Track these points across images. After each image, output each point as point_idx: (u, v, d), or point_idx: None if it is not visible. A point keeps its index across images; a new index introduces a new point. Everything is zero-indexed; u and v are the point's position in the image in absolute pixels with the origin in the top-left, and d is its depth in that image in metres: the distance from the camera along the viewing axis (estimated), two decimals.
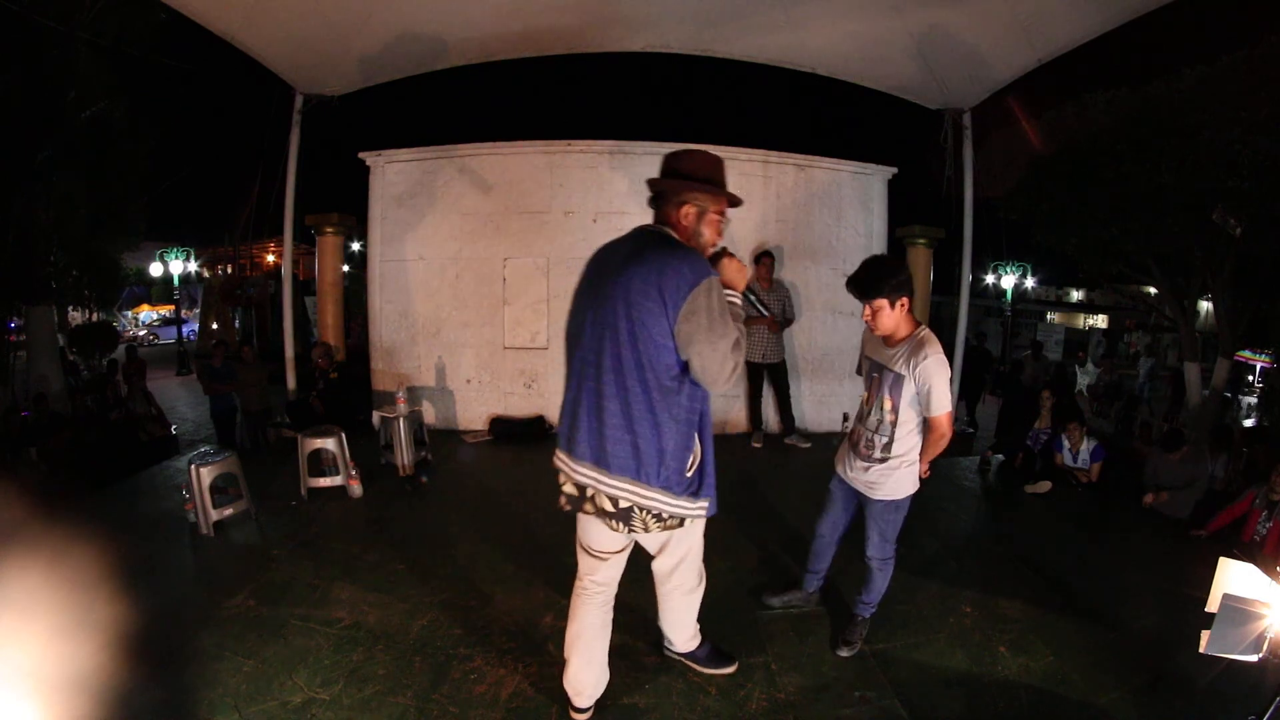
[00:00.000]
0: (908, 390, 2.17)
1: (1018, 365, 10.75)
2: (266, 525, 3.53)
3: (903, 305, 2.16)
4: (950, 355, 5.99)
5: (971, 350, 7.72)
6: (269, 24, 4.47)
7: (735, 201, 1.81)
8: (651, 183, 1.80)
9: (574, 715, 2.02)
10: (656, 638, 2.47)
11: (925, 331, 2.19)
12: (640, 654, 2.37)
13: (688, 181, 1.75)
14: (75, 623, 1.72)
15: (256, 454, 5.65)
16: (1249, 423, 10.51)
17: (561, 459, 1.82)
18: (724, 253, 1.83)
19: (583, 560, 1.96)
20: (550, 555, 3.16)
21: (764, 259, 5.20)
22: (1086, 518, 4.15)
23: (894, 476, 2.27)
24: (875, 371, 2.30)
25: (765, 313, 2.34)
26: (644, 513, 1.73)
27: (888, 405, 2.23)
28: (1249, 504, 3.88)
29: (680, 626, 2.21)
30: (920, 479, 2.33)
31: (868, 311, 2.20)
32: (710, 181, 1.77)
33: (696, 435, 1.77)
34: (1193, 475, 4.41)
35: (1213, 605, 1.60)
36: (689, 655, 2.29)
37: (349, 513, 3.76)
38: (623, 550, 1.94)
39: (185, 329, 18.89)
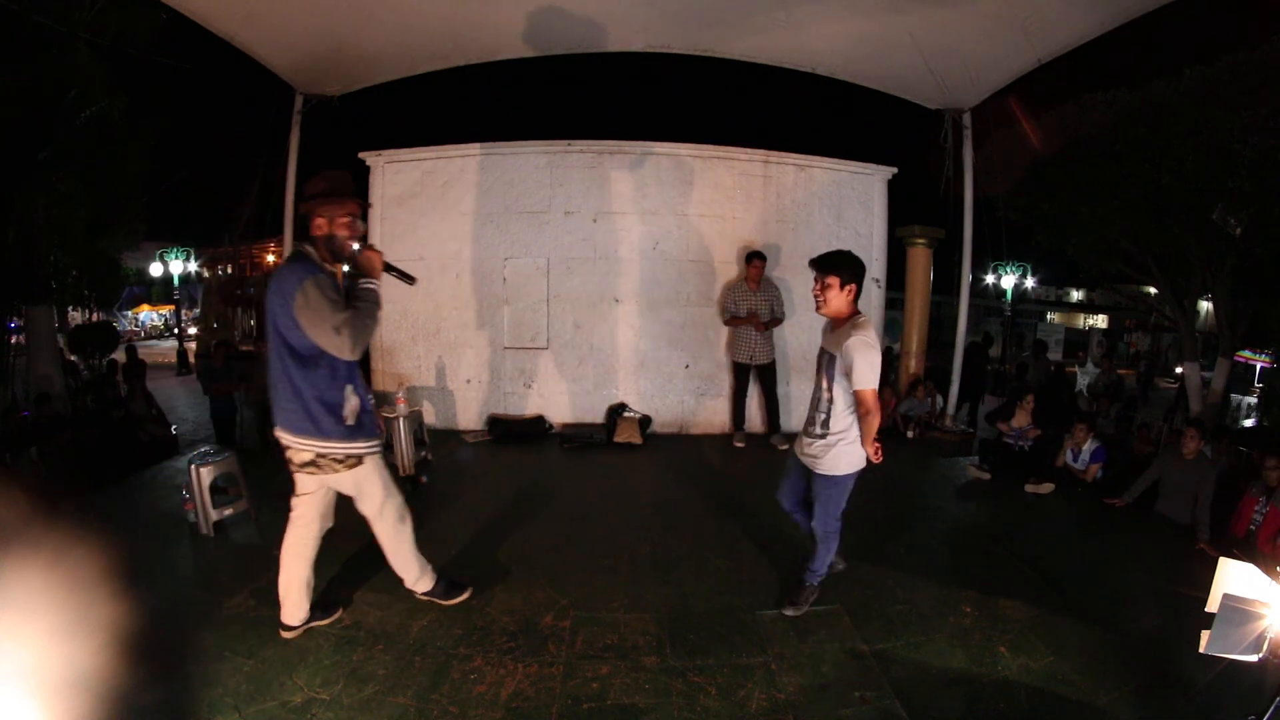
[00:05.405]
0: (840, 367, 2.40)
1: (1022, 367, 10.76)
2: (266, 525, 3.52)
3: (849, 290, 2.44)
4: (950, 355, 6.04)
5: (971, 350, 7.69)
6: (269, 24, 4.48)
7: (353, 197, 2.18)
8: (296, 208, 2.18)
9: (281, 633, 2.39)
10: (657, 640, 2.47)
11: (863, 317, 2.45)
12: (640, 654, 2.37)
13: (312, 200, 2.16)
14: (75, 623, 1.73)
15: (262, 450, 5.64)
16: (1249, 423, 10.52)
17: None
18: (364, 247, 2.20)
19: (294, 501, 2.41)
20: (550, 555, 3.16)
21: (754, 260, 5.17)
22: (1087, 518, 4.15)
23: (832, 452, 2.48)
24: (822, 356, 2.54)
25: (408, 280, 2.42)
26: (327, 458, 2.23)
27: (824, 384, 2.49)
28: (1249, 494, 3.89)
29: (407, 564, 2.56)
30: (869, 461, 2.49)
31: (818, 286, 2.45)
32: (327, 195, 2.15)
33: (350, 391, 2.20)
34: (1199, 481, 4.02)
35: (1213, 605, 1.60)
36: (429, 594, 2.62)
37: (349, 512, 3.74)
38: (315, 492, 2.37)
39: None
